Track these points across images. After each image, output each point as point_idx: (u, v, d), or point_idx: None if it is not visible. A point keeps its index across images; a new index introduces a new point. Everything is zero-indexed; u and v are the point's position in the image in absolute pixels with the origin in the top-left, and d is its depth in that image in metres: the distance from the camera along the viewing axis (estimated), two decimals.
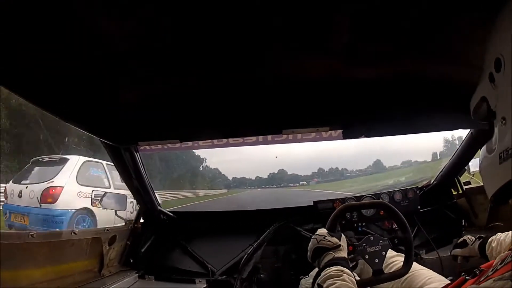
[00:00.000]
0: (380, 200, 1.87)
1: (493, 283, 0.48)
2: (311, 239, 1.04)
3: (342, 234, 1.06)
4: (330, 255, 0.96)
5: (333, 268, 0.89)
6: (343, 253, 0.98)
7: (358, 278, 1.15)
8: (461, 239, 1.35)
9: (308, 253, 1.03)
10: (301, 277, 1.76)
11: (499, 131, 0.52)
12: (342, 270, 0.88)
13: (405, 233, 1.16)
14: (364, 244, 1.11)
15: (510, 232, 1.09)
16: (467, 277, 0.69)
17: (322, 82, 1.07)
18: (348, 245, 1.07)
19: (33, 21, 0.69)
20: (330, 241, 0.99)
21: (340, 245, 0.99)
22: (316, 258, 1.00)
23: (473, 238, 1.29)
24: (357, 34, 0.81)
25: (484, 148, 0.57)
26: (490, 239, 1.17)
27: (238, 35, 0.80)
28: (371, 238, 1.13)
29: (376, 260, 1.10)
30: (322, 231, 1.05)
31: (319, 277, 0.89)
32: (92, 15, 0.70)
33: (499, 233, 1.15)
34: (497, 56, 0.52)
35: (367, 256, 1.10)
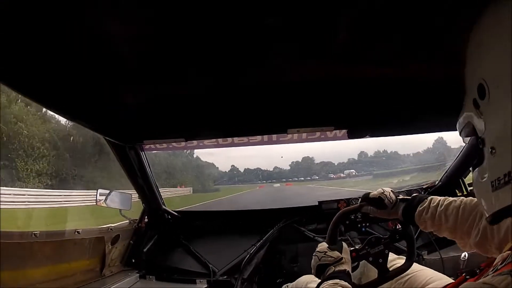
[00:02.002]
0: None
1: (491, 278, 0.48)
2: (313, 257, 1.03)
3: (344, 244, 1.04)
4: (331, 269, 0.96)
5: (330, 282, 0.89)
6: (345, 265, 0.97)
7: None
8: (375, 194, 1.06)
9: (312, 271, 1.02)
10: (280, 281, 1.76)
11: (489, 160, 0.51)
12: (337, 283, 0.87)
13: (405, 228, 1.15)
14: (366, 247, 1.11)
15: (445, 199, 0.92)
16: (467, 276, 0.69)
17: (326, 82, 1.08)
18: (351, 252, 1.06)
19: (41, 21, 0.70)
20: (331, 256, 0.98)
21: (341, 258, 0.98)
22: (320, 274, 0.99)
23: (393, 196, 1.04)
24: (360, 35, 0.82)
25: (476, 171, 0.55)
26: (421, 207, 0.95)
27: (242, 37, 0.80)
28: (373, 239, 1.12)
29: (380, 260, 1.10)
30: (323, 246, 1.03)
31: None
32: (98, 16, 0.70)
33: (433, 197, 0.96)
34: (480, 82, 0.50)
35: (371, 259, 1.10)
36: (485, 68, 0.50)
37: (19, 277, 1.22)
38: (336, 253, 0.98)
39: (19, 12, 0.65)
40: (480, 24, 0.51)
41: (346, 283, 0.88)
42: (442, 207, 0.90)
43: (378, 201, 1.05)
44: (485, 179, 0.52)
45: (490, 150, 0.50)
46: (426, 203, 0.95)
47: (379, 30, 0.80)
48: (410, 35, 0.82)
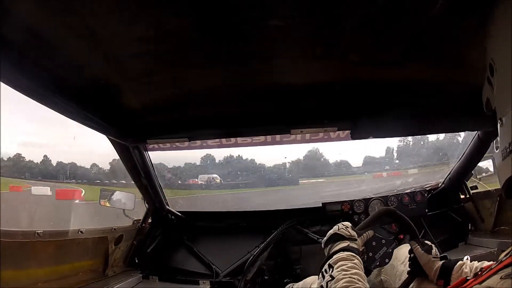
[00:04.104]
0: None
1: (500, 281, 0.48)
2: (334, 226, 1.07)
3: (363, 235, 1.08)
4: (345, 243, 0.99)
5: (347, 253, 0.92)
6: (357, 247, 1.01)
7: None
8: (426, 244, 1.13)
9: (325, 237, 1.06)
10: (285, 280, 1.75)
11: (499, 131, 0.56)
12: (354, 256, 0.91)
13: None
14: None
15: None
16: (467, 277, 0.69)
17: (329, 83, 1.09)
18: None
19: (43, 21, 0.71)
20: (349, 233, 1.03)
21: (356, 239, 1.02)
22: (329, 243, 1.02)
23: (437, 252, 1.11)
24: (364, 37, 0.83)
25: (494, 142, 0.60)
26: (460, 262, 1.01)
27: (247, 38, 0.82)
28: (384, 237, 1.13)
29: (374, 243, 1.10)
30: (347, 223, 1.08)
31: (331, 259, 0.91)
32: (101, 17, 0.72)
33: (467, 260, 1.03)
34: (489, 62, 0.58)
35: (377, 263, 1.11)
36: (493, 50, 0.59)
37: (21, 276, 1.21)
38: (354, 232, 1.03)
39: (21, 11, 0.66)
40: (490, 21, 0.61)
41: (361, 260, 0.92)
42: (478, 264, 0.97)
43: (428, 248, 1.11)
44: (498, 149, 0.57)
45: (499, 121, 0.55)
46: (464, 260, 1.03)
47: (384, 33, 0.81)
48: (413, 37, 0.83)
